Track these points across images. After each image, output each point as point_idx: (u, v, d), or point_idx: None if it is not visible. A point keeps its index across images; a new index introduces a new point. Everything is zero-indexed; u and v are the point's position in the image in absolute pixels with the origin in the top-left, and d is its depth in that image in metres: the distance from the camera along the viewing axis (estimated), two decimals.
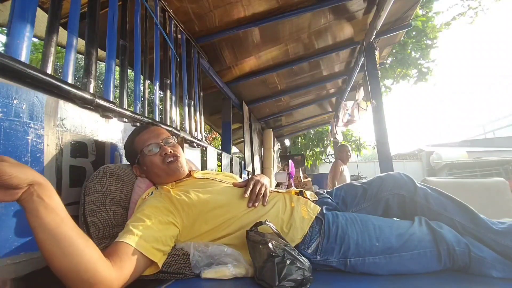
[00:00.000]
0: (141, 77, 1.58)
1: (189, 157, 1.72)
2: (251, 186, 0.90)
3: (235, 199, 0.89)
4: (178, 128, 1.83)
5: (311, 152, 9.60)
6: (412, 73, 6.76)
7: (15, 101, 0.74)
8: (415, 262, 0.76)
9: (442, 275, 0.76)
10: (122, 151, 1.21)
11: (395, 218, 0.93)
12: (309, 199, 0.95)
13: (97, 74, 1.12)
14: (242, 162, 3.69)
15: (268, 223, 0.77)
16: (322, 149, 9.67)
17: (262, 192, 0.90)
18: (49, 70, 0.87)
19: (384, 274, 0.77)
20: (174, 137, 1.05)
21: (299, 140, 9.86)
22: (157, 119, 1.55)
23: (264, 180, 0.96)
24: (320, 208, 0.91)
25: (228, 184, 0.97)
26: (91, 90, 1.05)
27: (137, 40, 1.49)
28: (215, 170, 2.58)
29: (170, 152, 0.96)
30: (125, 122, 1.24)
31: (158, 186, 0.94)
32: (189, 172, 1.06)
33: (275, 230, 0.77)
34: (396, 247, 0.77)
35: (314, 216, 0.87)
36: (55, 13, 0.94)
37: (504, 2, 6.56)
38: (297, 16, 2.31)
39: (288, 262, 0.67)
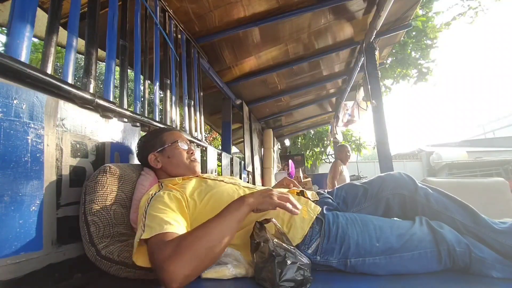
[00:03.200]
0: (141, 77, 1.58)
1: None
2: None
3: (235, 197, 0.89)
4: (178, 128, 1.83)
5: (311, 152, 9.60)
6: (412, 73, 6.76)
7: (15, 101, 0.74)
8: (415, 262, 0.76)
9: (442, 275, 0.76)
10: (122, 151, 1.21)
11: (395, 218, 0.93)
12: (309, 199, 0.95)
13: (97, 74, 1.12)
14: (242, 162, 3.69)
15: (273, 220, 0.77)
16: (322, 149, 9.67)
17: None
18: (49, 70, 0.87)
19: (384, 274, 0.77)
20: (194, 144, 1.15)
21: (299, 140, 9.86)
22: (157, 119, 1.55)
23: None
24: (320, 208, 0.91)
25: (230, 184, 0.97)
26: (91, 90, 1.06)
27: (137, 40, 1.49)
28: (215, 171, 2.58)
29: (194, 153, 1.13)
30: (125, 122, 1.24)
31: (163, 184, 0.96)
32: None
33: (280, 228, 0.77)
34: (397, 247, 0.77)
35: (314, 216, 0.87)
36: (55, 13, 0.94)
37: (504, 2, 6.56)
38: (297, 16, 2.31)
39: (289, 262, 0.67)
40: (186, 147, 1.09)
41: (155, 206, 0.78)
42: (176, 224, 0.72)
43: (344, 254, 0.79)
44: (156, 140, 1.08)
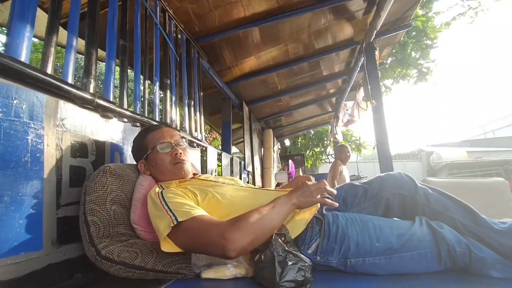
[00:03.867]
0: (141, 77, 1.58)
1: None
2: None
3: (236, 198, 0.89)
4: (178, 128, 1.83)
5: (311, 152, 9.60)
6: (412, 73, 6.76)
7: (15, 101, 0.74)
8: (415, 262, 0.76)
9: (442, 275, 0.76)
10: (122, 151, 1.21)
11: (395, 218, 0.93)
12: None
13: (97, 74, 1.12)
14: (242, 162, 3.69)
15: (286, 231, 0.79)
16: (322, 149, 9.67)
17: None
18: (49, 70, 0.87)
19: (384, 275, 0.77)
20: (184, 140, 1.09)
21: (299, 140, 9.86)
22: (157, 119, 1.55)
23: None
24: (318, 206, 0.91)
25: (231, 186, 0.97)
26: (91, 90, 1.05)
27: (137, 40, 1.49)
28: (215, 171, 2.58)
29: (180, 153, 1.02)
30: (125, 122, 1.24)
31: (163, 185, 0.95)
32: (193, 175, 1.07)
33: (282, 227, 0.78)
34: (396, 247, 0.77)
35: (314, 211, 0.87)
36: (55, 13, 0.94)
37: (504, 2, 6.56)
38: (297, 16, 2.31)
39: (290, 262, 0.67)
40: (167, 150, 1.01)
41: (172, 197, 0.81)
42: (204, 211, 0.78)
43: (344, 254, 0.79)
44: (141, 146, 1.04)
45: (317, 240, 0.82)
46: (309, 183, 0.85)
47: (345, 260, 0.78)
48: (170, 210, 0.75)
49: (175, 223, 0.71)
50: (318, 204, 0.89)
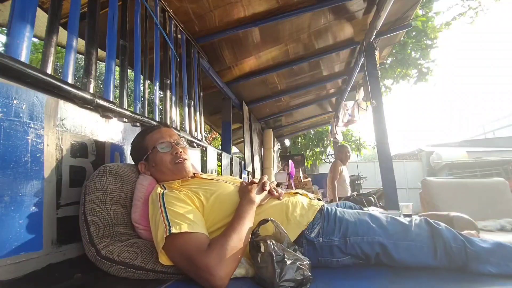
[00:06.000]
0: (141, 77, 1.58)
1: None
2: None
3: (238, 198, 0.89)
4: (178, 128, 1.83)
5: (311, 152, 9.59)
6: (412, 73, 6.75)
7: (15, 101, 0.74)
8: (411, 254, 0.78)
9: (442, 274, 0.76)
10: (122, 151, 1.21)
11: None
12: (312, 199, 0.99)
13: (97, 74, 1.12)
14: (242, 162, 3.69)
15: (272, 220, 0.79)
16: (322, 149, 9.66)
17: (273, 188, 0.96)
18: (49, 70, 0.87)
19: (382, 260, 0.79)
20: (183, 139, 1.11)
21: (299, 140, 9.85)
22: (157, 119, 1.55)
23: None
24: (323, 202, 0.96)
25: (232, 184, 0.97)
26: (91, 90, 1.06)
27: (137, 40, 1.49)
28: (215, 171, 2.58)
29: (180, 152, 1.02)
30: (125, 122, 1.24)
31: (165, 185, 0.95)
32: (194, 174, 1.07)
33: (279, 227, 0.78)
34: (392, 233, 0.80)
35: (318, 207, 0.90)
36: (55, 13, 0.94)
37: (504, 2, 6.55)
38: (297, 16, 2.31)
39: (288, 262, 0.67)
40: (167, 149, 1.01)
41: (172, 202, 0.80)
42: (201, 224, 0.78)
43: (343, 233, 0.82)
44: (140, 147, 1.04)
45: (319, 225, 0.86)
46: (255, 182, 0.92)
47: (345, 239, 0.82)
48: (167, 218, 0.75)
49: (168, 234, 0.71)
50: (320, 204, 0.93)
